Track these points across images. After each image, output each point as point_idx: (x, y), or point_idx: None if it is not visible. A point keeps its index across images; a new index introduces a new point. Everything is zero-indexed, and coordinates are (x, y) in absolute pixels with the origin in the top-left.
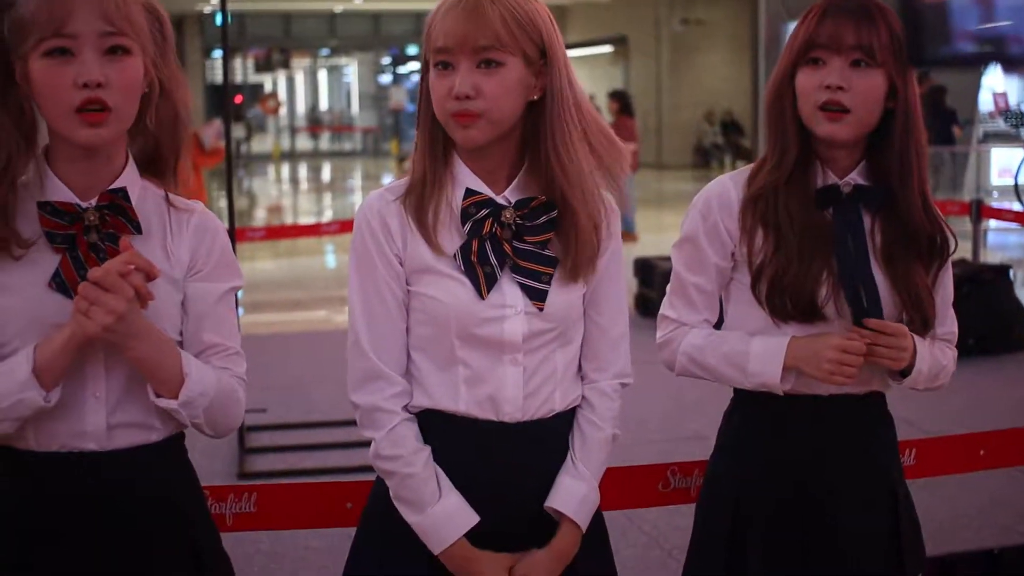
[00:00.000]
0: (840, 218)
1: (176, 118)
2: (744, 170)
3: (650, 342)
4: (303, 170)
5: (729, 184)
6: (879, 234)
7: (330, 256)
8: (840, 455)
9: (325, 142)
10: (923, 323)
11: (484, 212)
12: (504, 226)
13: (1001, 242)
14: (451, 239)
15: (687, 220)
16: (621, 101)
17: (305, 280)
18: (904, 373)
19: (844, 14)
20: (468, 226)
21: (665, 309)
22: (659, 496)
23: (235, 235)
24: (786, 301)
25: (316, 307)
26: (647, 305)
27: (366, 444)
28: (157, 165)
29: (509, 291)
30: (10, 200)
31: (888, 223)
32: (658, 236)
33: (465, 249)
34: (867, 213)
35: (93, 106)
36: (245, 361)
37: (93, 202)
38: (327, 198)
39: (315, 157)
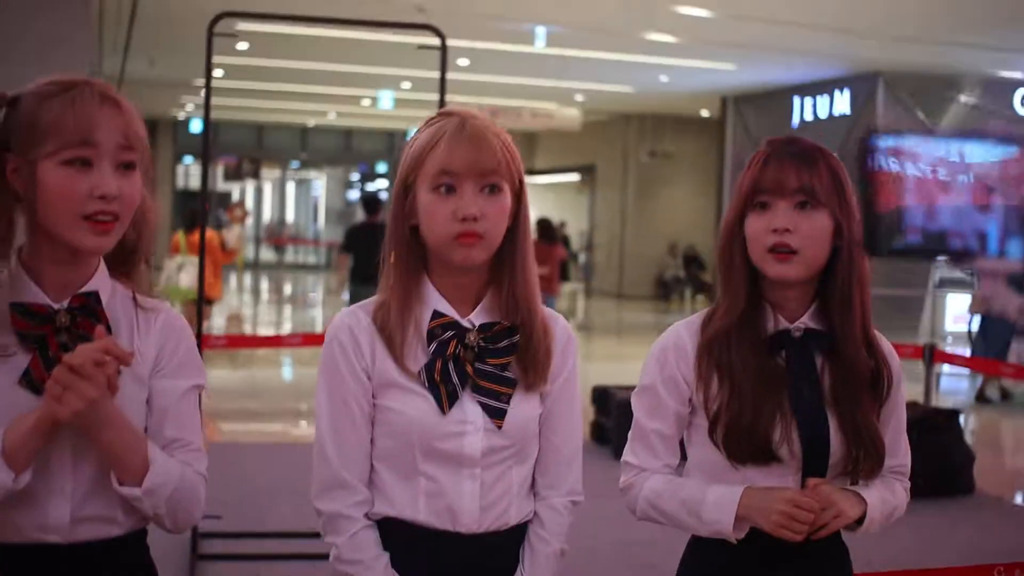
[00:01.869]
0: (793, 363)
1: (147, 220)
2: (698, 316)
3: (604, 469)
4: (265, 281)
5: (684, 333)
6: (828, 376)
7: (288, 368)
8: None
9: (289, 254)
10: (875, 462)
11: (449, 334)
12: (467, 348)
13: (953, 387)
14: (416, 357)
15: (645, 370)
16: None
17: (263, 391)
18: (859, 522)
19: (786, 158)
20: (433, 346)
21: (627, 455)
22: None
23: (202, 340)
24: (742, 446)
25: (274, 419)
26: (602, 433)
27: (319, 556)
28: (128, 264)
29: (470, 408)
30: None
31: (834, 364)
32: (616, 365)
33: (429, 367)
34: (818, 355)
35: (105, 216)
36: (207, 459)
37: (65, 304)
38: (288, 310)
39: (278, 268)
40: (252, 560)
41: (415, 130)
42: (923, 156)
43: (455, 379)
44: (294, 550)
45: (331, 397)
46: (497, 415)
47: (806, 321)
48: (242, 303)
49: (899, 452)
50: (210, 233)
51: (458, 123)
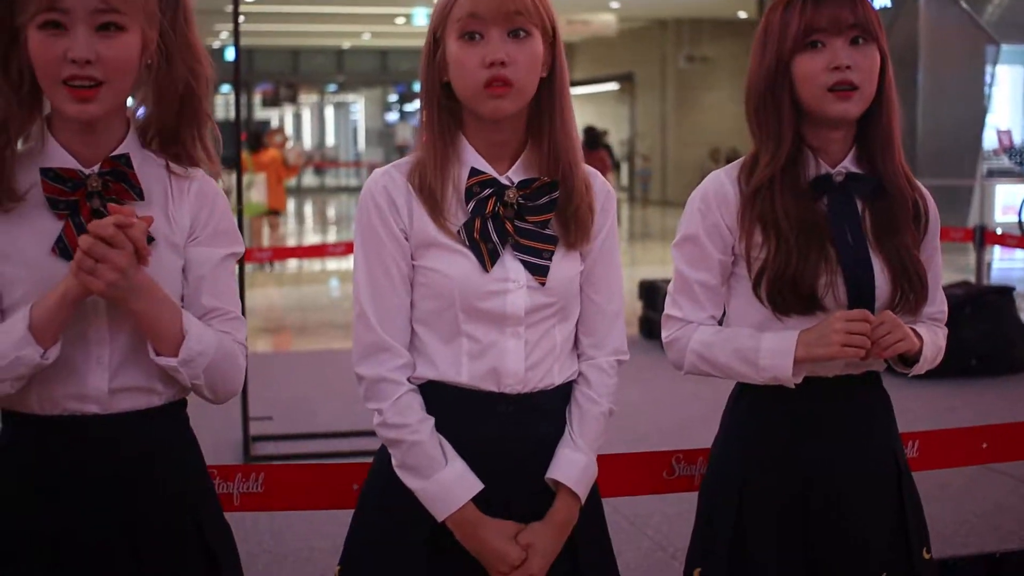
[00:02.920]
0: (835, 208)
1: (182, 87)
2: (735, 165)
3: (653, 363)
4: (308, 206)
5: (725, 180)
6: (869, 217)
7: (331, 285)
8: (846, 433)
9: (330, 177)
10: (920, 295)
11: (488, 192)
12: (507, 205)
13: (1004, 275)
14: (455, 216)
15: (686, 218)
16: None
17: (310, 306)
18: (909, 362)
19: None
20: (472, 204)
21: (670, 308)
22: (663, 484)
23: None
24: (787, 298)
25: (321, 332)
26: (651, 327)
27: (370, 454)
28: (175, 139)
29: (512, 266)
30: (7, 157)
31: (877, 204)
32: (663, 268)
33: (468, 226)
34: (858, 198)
35: (82, 82)
36: (245, 326)
37: (96, 168)
38: (332, 232)
39: (321, 192)
40: (302, 459)
41: None
42: None
43: (495, 237)
44: (345, 448)
45: (369, 260)
46: (540, 272)
47: (847, 165)
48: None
49: (937, 299)
50: (273, 151)
51: None
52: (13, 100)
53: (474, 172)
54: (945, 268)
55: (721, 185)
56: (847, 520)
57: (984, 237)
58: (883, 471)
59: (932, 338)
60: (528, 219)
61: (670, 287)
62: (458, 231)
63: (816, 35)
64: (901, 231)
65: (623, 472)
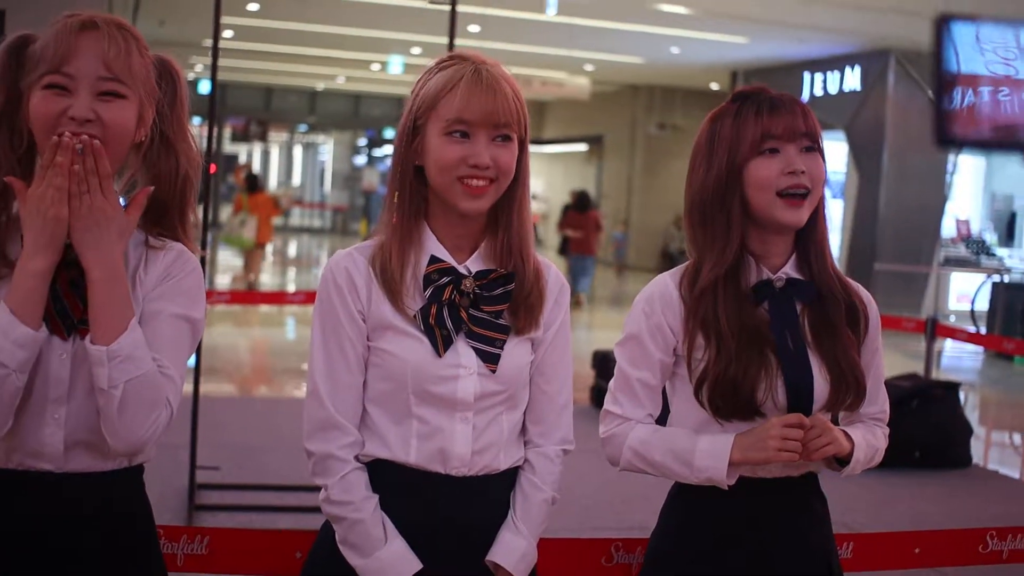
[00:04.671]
0: (775, 313)
1: (177, 172)
2: (679, 269)
3: None
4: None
5: (670, 282)
6: (808, 320)
7: (290, 328)
8: (781, 533)
9: (295, 217)
10: (855, 399)
11: (446, 280)
12: (463, 294)
13: (954, 364)
14: (412, 300)
15: (631, 319)
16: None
17: (265, 351)
18: (843, 462)
19: (783, 104)
20: (429, 291)
21: (609, 405)
22: (602, 571)
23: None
24: (727, 404)
25: (274, 377)
26: (602, 396)
27: (317, 509)
28: (162, 218)
29: (464, 353)
30: (2, 223)
31: (815, 308)
32: (617, 333)
33: (425, 312)
34: (798, 302)
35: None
36: (180, 393)
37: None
38: (292, 272)
39: (282, 231)
40: (248, 511)
41: (422, 73)
42: (985, 79)
43: (449, 324)
44: (292, 503)
45: (326, 338)
46: (491, 360)
47: (788, 270)
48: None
49: (878, 399)
50: (266, 195)
51: (474, 70)
52: (13, 163)
53: (433, 259)
54: (897, 354)
55: (666, 288)
56: None
57: (935, 329)
58: (816, 573)
59: (868, 439)
60: (483, 308)
61: (611, 384)
62: (414, 316)
63: (772, 141)
64: (838, 333)
65: (562, 556)
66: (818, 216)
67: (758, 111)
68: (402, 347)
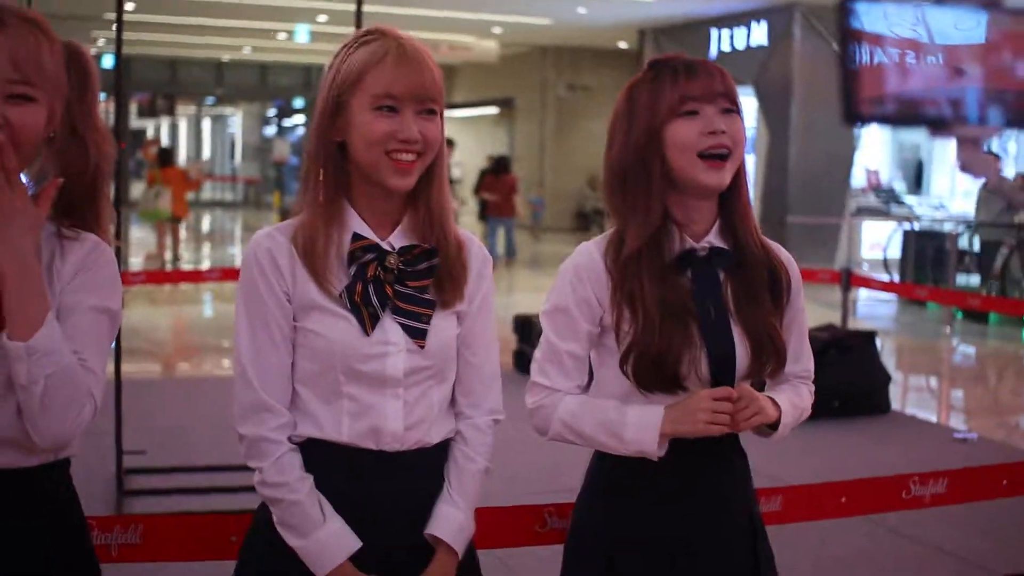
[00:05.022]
0: (698, 282)
1: (88, 163)
2: (604, 237)
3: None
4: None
5: (595, 252)
6: (731, 288)
7: (209, 306)
8: (706, 492)
9: (206, 191)
10: (778, 363)
11: (370, 256)
12: (388, 270)
13: (869, 312)
14: (337, 279)
15: (556, 290)
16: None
17: (185, 329)
18: (772, 427)
19: (700, 67)
20: (354, 268)
21: (536, 376)
22: (536, 536)
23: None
24: (651, 378)
25: (195, 356)
26: (525, 361)
27: (248, 488)
28: (74, 210)
29: (391, 329)
30: None
31: (737, 275)
32: (537, 296)
33: (350, 289)
34: (720, 270)
35: None
36: (102, 386)
37: None
38: (207, 248)
39: (195, 206)
40: (178, 494)
41: (339, 48)
42: (889, 39)
43: (375, 301)
44: (222, 483)
45: (251, 320)
46: (418, 335)
47: (711, 239)
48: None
49: (802, 357)
50: (178, 169)
51: (398, 45)
52: None
53: (357, 237)
54: (813, 305)
55: (591, 258)
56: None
57: (850, 280)
58: (740, 529)
59: (794, 401)
60: (408, 284)
61: (537, 353)
62: (340, 294)
63: (691, 103)
64: (760, 301)
65: (497, 524)
66: (740, 180)
67: (674, 75)
68: (329, 327)
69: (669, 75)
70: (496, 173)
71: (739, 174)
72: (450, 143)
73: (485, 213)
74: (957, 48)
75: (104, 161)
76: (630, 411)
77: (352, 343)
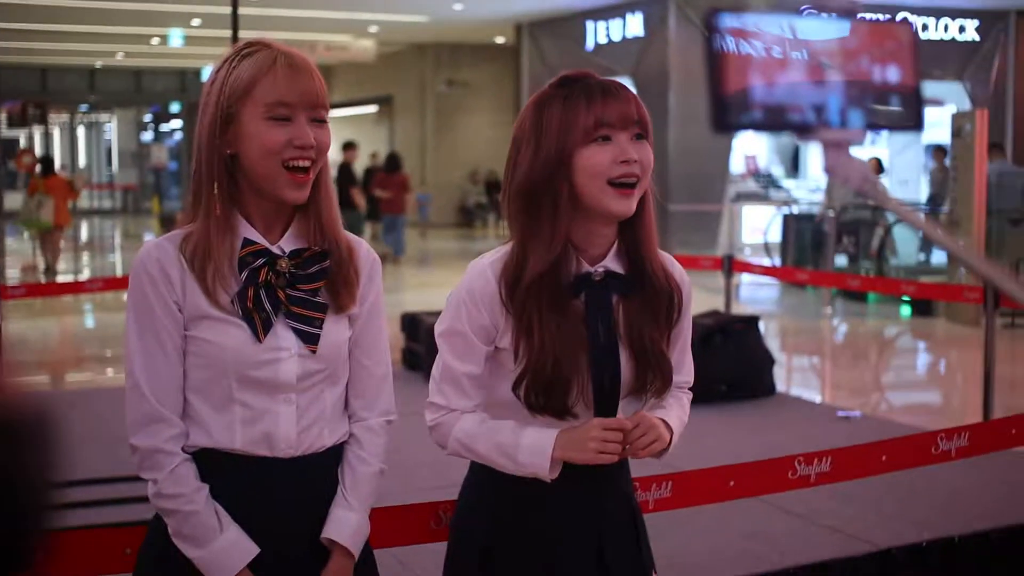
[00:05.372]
0: (591, 306)
1: None
2: (501, 258)
3: (415, 395)
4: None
5: (490, 275)
6: (623, 309)
7: (90, 316)
8: (589, 488)
9: (84, 199)
10: (663, 384)
11: (260, 261)
12: (279, 275)
13: (752, 296)
14: (228, 285)
15: (452, 312)
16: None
17: (66, 340)
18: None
19: (612, 90)
20: (245, 274)
21: (434, 396)
22: (430, 533)
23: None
24: (540, 403)
25: (79, 367)
26: (413, 359)
27: (140, 499)
28: None
29: (284, 335)
30: None
31: (629, 300)
32: (423, 293)
33: (242, 295)
34: (615, 294)
35: None
36: None
37: None
38: (85, 257)
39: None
40: (68, 508)
41: (221, 61)
42: (762, 35)
43: (267, 306)
44: (111, 495)
45: (142, 331)
46: (311, 340)
47: (608, 263)
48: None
49: (684, 369)
50: (61, 178)
51: (285, 55)
52: None
53: (247, 242)
54: (698, 291)
55: (487, 283)
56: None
57: (732, 266)
58: (622, 518)
59: (680, 416)
60: (300, 287)
61: (435, 372)
62: (232, 300)
63: (605, 129)
64: (650, 322)
65: (392, 524)
66: (645, 205)
67: (589, 97)
68: (220, 334)
69: (583, 97)
70: (388, 171)
71: (644, 199)
72: (353, 145)
73: (377, 211)
74: (819, 52)
75: None
76: (524, 434)
77: (244, 350)
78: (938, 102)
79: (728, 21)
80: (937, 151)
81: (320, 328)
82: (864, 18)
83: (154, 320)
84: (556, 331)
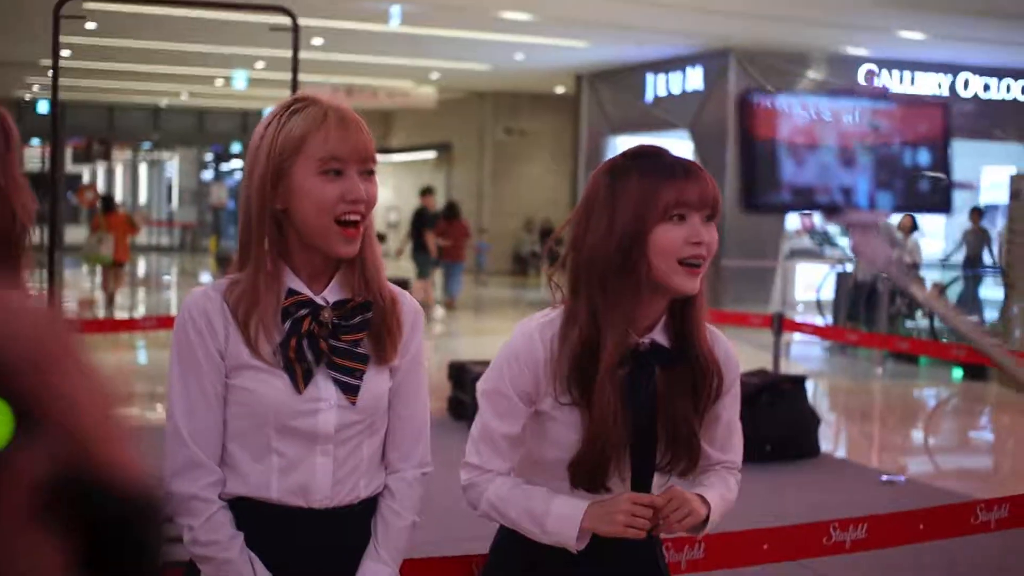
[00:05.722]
0: (633, 378)
1: (13, 222)
2: (551, 324)
3: (458, 443)
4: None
5: (537, 340)
6: (663, 384)
7: (142, 352)
8: (617, 549)
9: (143, 236)
10: (689, 464)
11: (304, 312)
12: (322, 325)
13: (802, 354)
14: (271, 335)
15: (496, 373)
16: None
17: (118, 376)
18: (703, 523)
19: (693, 170)
20: (288, 324)
21: (470, 456)
22: None
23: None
24: (582, 480)
25: (129, 403)
26: (459, 408)
27: (176, 539)
28: None
29: (324, 386)
30: None
31: (671, 373)
32: (475, 339)
33: (284, 345)
34: (658, 367)
35: None
36: None
37: None
38: (141, 293)
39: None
40: None
41: (269, 118)
42: (795, 117)
43: (310, 356)
44: None
45: (185, 378)
46: (351, 391)
47: (655, 335)
48: (94, 286)
49: (731, 449)
50: (122, 215)
51: (336, 109)
52: None
53: (291, 292)
54: (748, 348)
55: (533, 347)
56: None
57: (782, 325)
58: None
59: (723, 494)
60: (342, 338)
61: (473, 431)
62: (274, 350)
63: (682, 208)
64: (687, 401)
65: (425, 575)
66: (703, 283)
67: (671, 174)
68: (262, 384)
69: (664, 173)
70: (447, 218)
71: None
72: (431, 191)
73: (439, 259)
74: (848, 133)
75: (28, 220)
76: (555, 503)
77: (284, 400)
78: (970, 186)
79: (762, 101)
80: (974, 212)
81: (361, 379)
82: (895, 99)
83: (197, 368)
84: (600, 398)
